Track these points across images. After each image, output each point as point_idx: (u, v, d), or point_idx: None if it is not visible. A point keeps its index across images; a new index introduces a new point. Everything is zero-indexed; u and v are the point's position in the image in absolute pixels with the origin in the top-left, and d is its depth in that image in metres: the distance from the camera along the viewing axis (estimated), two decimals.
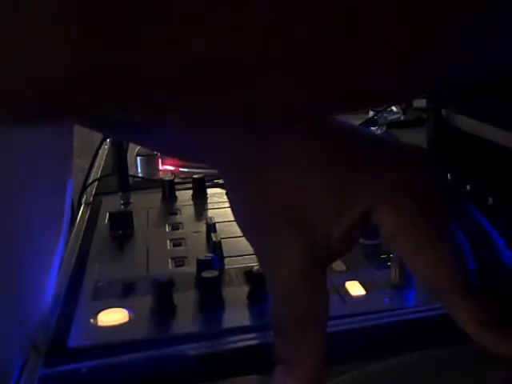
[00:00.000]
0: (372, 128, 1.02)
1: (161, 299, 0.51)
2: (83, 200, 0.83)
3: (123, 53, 0.16)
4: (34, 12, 0.15)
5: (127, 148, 0.88)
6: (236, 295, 0.53)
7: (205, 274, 0.52)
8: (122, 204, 0.80)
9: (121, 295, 0.54)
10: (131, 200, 0.81)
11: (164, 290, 0.51)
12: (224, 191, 0.78)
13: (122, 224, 0.70)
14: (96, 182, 0.89)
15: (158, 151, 0.82)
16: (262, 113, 0.20)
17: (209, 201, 0.79)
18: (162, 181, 0.84)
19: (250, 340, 0.47)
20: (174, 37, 0.15)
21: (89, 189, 0.87)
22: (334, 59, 0.17)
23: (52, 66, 0.15)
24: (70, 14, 0.15)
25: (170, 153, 0.51)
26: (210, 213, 0.74)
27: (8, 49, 0.15)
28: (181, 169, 0.94)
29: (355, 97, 0.19)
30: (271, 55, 0.16)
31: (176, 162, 0.94)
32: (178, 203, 0.79)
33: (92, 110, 0.18)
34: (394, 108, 1.12)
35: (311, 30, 0.16)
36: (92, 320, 0.50)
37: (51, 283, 0.48)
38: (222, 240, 0.61)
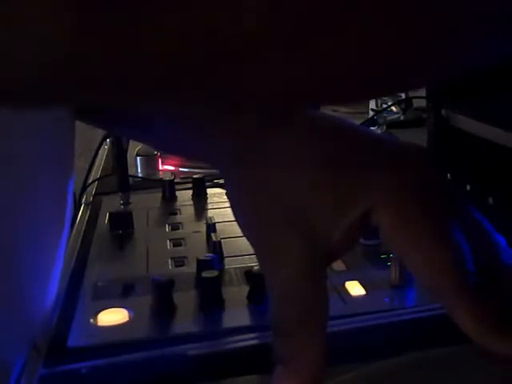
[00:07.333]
0: (372, 128, 1.02)
1: (161, 299, 0.51)
2: (83, 200, 0.83)
3: (122, 39, 0.16)
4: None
5: (127, 148, 0.88)
6: (236, 295, 0.53)
7: (205, 274, 0.52)
8: (122, 204, 0.80)
9: (121, 295, 0.54)
10: (131, 200, 0.81)
11: (164, 290, 0.51)
12: (224, 191, 0.78)
13: (122, 224, 0.70)
14: (96, 182, 0.89)
15: (159, 149, 0.82)
16: (262, 102, 0.19)
17: (209, 201, 0.79)
18: (162, 181, 0.84)
19: (250, 340, 0.47)
20: (173, 22, 0.15)
21: (89, 189, 0.87)
22: (334, 45, 0.17)
23: (50, 51, 0.16)
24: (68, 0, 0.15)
25: (170, 151, 0.51)
26: (210, 213, 0.74)
27: (7, 33, 0.15)
28: (181, 169, 0.94)
29: (354, 85, 0.19)
30: (270, 40, 0.16)
31: (176, 161, 0.94)
32: (178, 203, 0.79)
33: (91, 96, 0.18)
34: (393, 108, 1.12)
35: (312, 14, 0.16)
36: (92, 320, 0.50)
37: (53, 283, 0.48)
38: (222, 240, 0.61)
